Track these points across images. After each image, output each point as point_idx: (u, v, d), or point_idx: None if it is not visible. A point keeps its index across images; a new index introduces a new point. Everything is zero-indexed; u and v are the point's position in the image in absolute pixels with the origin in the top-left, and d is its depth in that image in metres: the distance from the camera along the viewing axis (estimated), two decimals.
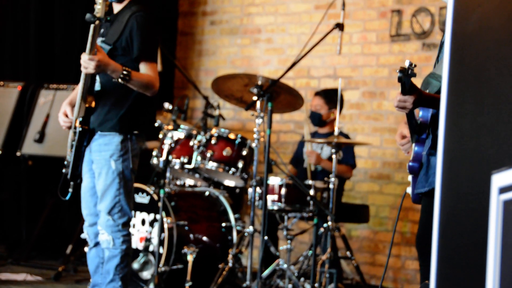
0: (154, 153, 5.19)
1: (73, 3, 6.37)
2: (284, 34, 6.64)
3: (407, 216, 5.88)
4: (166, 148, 4.84)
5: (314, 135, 5.62)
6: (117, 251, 3.77)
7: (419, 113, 2.89)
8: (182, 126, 5.20)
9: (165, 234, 4.91)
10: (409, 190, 2.96)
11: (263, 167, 4.68)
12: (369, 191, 6.10)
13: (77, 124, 3.68)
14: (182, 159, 5.07)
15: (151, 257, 4.88)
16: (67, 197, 3.77)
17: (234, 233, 5.21)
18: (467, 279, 1.72)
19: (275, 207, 4.90)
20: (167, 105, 5.27)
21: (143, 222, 5.10)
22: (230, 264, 4.88)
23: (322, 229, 4.85)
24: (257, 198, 4.82)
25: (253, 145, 4.79)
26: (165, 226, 4.91)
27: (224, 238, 5.22)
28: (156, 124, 5.15)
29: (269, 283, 4.94)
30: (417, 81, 2.72)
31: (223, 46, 6.99)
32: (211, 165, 5.01)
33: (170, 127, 5.13)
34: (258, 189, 4.81)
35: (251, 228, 4.71)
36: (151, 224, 5.01)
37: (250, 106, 4.85)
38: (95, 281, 3.88)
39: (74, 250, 5.54)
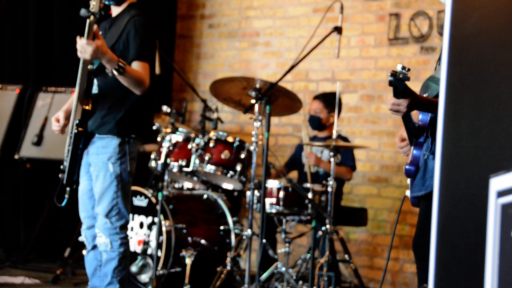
0: (152, 156, 5.19)
1: (72, 6, 6.37)
2: (282, 38, 6.65)
3: (406, 219, 5.88)
4: (164, 151, 4.84)
5: (314, 139, 5.63)
6: (115, 253, 3.77)
7: (419, 116, 2.89)
8: (180, 129, 5.20)
9: (163, 237, 4.90)
10: (408, 193, 2.96)
11: (261, 170, 4.68)
12: (367, 194, 6.10)
13: (73, 126, 3.68)
14: (180, 162, 5.07)
15: (149, 260, 4.88)
16: (63, 204, 3.77)
17: (232, 236, 5.21)
18: (465, 283, 1.72)
19: (274, 210, 4.90)
20: (165, 108, 5.27)
21: (141, 225, 5.09)
22: (228, 267, 4.88)
23: (320, 232, 4.85)
24: (255, 201, 4.82)
25: (251, 148, 4.79)
26: (163, 229, 4.91)
27: (222, 241, 5.21)
28: (154, 127, 5.15)
29: (267, 286, 4.94)
30: (417, 85, 2.72)
31: (221, 49, 6.99)
32: (209, 168, 5.01)
33: (168, 130, 5.14)
34: (256, 192, 4.81)
35: (249, 231, 4.71)
36: (149, 227, 5.01)
37: (248, 109, 4.85)
38: (93, 284, 3.87)
39: (72, 253, 5.53)
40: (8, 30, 6.45)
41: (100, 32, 3.86)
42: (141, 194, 5.09)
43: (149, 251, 4.94)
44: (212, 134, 5.09)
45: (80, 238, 4.01)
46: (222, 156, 5.02)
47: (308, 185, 4.92)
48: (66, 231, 6.06)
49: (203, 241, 5.14)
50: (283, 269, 4.80)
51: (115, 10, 3.89)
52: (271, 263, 4.96)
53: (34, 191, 6.12)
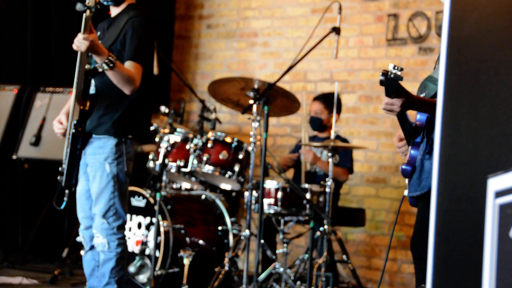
0: (151, 156, 5.19)
1: (69, 6, 6.36)
2: (280, 38, 6.65)
3: (403, 220, 5.88)
4: (162, 151, 4.84)
5: (314, 139, 5.62)
6: (112, 254, 3.77)
7: (417, 116, 2.89)
8: (178, 129, 5.20)
9: (162, 238, 4.90)
10: (406, 193, 2.96)
11: (259, 171, 4.68)
12: (365, 195, 6.10)
13: (71, 127, 3.68)
14: (178, 162, 5.07)
15: (147, 261, 4.88)
16: (62, 207, 3.77)
17: (231, 237, 5.21)
18: (464, 283, 1.72)
19: (272, 211, 4.90)
20: (163, 109, 5.27)
21: (139, 225, 5.09)
22: (226, 268, 4.88)
23: (318, 233, 4.85)
24: (253, 201, 4.82)
25: (250, 148, 4.79)
26: (162, 229, 4.91)
27: (220, 242, 5.21)
28: (153, 128, 5.15)
29: (266, 287, 4.94)
30: (415, 85, 2.72)
31: (220, 50, 6.99)
32: (208, 168, 5.01)
33: (167, 130, 5.13)
34: (254, 193, 4.81)
35: (247, 232, 4.71)
36: (147, 227, 5.00)
37: (247, 109, 4.85)
38: (91, 284, 3.87)
39: (70, 253, 5.53)
40: (6, 30, 6.44)
41: (99, 32, 3.87)
42: (139, 194, 5.09)
43: (147, 252, 4.94)
44: (210, 135, 5.09)
45: (78, 239, 4.00)
46: (220, 157, 5.02)
47: (306, 185, 4.92)
48: (64, 231, 6.05)
49: (201, 242, 5.14)
50: (281, 269, 4.80)
51: (114, 11, 3.89)
52: (269, 263, 4.96)
53: (32, 192, 6.12)
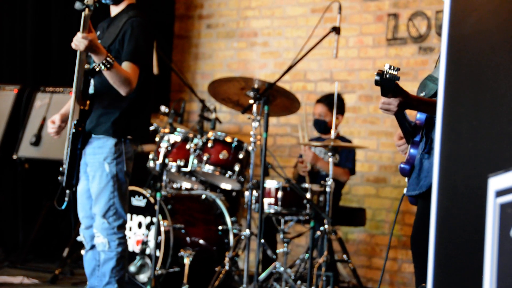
0: (151, 156, 5.19)
1: (69, 6, 6.37)
2: (280, 38, 6.65)
3: (403, 219, 5.88)
4: (162, 151, 4.84)
5: (318, 140, 5.59)
6: (113, 253, 3.77)
7: (417, 115, 2.89)
8: (178, 129, 5.20)
9: (162, 237, 4.90)
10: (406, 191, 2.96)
11: (259, 170, 4.68)
12: (365, 194, 6.10)
13: (72, 127, 3.68)
14: (178, 162, 5.07)
15: (148, 260, 4.88)
16: (63, 207, 3.77)
17: (231, 236, 5.21)
18: (464, 282, 1.72)
19: (272, 210, 4.90)
20: (163, 108, 5.28)
21: (139, 225, 5.09)
22: (226, 267, 4.88)
23: (318, 232, 4.85)
24: (253, 201, 4.82)
25: (250, 148, 4.79)
26: (162, 229, 4.91)
27: (220, 241, 5.22)
28: (153, 127, 5.15)
29: (266, 286, 4.94)
30: (415, 85, 2.72)
31: (220, 50, 6.99)
32: (208, 168, 5.01)
33: (167, 130, 5.14)
34: (254, 192, 4.81)
35: (247, 231, 4.71)
36: (148, 227, 5.01)
37: (247, 109, 4.85)
38: (91, 284, 3.87)
39: (71, 253, 5.53)
40: (6, 30, 6.44)
41: (98, 32, 3.87)
42: (139, 194, 5.09)
43: (147, 251, 4.94)
44: (211, 134, 5.09)
45: (79, 238, 4.01)
46: (221, 156, 5.03)
47: (306, 185, 4.92)
48: (65, 231, 6.05)
49: (201, 241, 5.15)
50: (282, 269, 4.80)
51: (114, 10, 3.89)
52: (269, 263, 4.96)
53: (33, 191, 6.12)
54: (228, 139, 5.08)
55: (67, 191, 3.75)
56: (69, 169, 3.71)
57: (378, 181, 6.05)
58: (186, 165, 5.08)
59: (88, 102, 3.73)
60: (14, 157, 5.74)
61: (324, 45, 5.75)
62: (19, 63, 6.44)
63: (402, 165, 2.90)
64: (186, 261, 4.75)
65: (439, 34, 5.79)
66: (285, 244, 4.89)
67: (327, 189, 4.84)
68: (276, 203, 4.90)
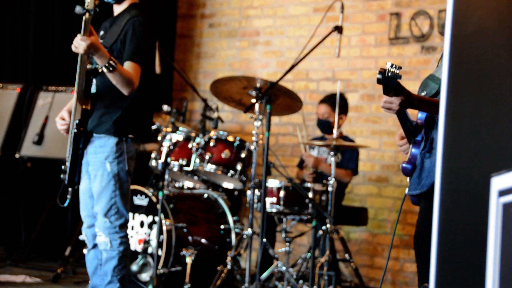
0: (153, 155, 5.20)
1: (72, 5, 6.36)
2: (282, 37, 6.65)
3: (406, 219, 5.88)
4: (164, 150, 4.84)
5: (321, 139, 5.58)
6: (115, 252, 3.77)
7: (418, 114, 2.89)
8: (180, 128, 5.21)
9: (164, 236, 4.91)
10: (407, 191, 2.96)
11: (261, 170, 4.68)
12: (367, 193, 6.10)
13: (73, 126, 3.69)
14: (180, 161, 5.08)
15: (150, 259, 4.88)
16: (66, 204, 3.78)
17: (233, 235, 5.21)
18: (467, 282, 1.72)
19: (274, 210, 4.90)
20: (165, 108, 5.28)
21: (141, 224, 5.10)
22: (228, 266, 4.88)
23: (320, 232, 4.85)
24: (255, 200, 4.82)
25: (252, 147, 4.79)
26: (164, 228, 4.91)
27: (222, 240, 5.22)
28: (155, 126, 5.16)
29: (268, 285, 4.94)
30: (417, 84, 2.72)
31: (222, 49, 6.99)
32: (210, 167, 5.01)
33: (169, 129, 5.14)
34: (256, 192, 4.81)
35: (249, 231, 4.71)
36: (150, 226, 5.01)
37: (249, 108, 4.85)
38: (93, 283, 3.88)
39: (73, 251, 5.54)
40: (8, 30, 6.45)
41: (101, 32, 3.88)
42: (141, 193, 5.09)
43: (149, 250, 4.95)
44: (213, 134, 5.09)
45: (81, 237, 4.01)
46: (223, 156, 5.03)
47: (308, 184, 4.92)
48: (67, 230, 6.06)
49: (203, 240, 5.15)
50: (284, 268, 4.80)
51: (117, 9, 3.89)
52: (271, 262, 4.96)
53: (35, 190, 6.13)
54: (230, 138, 5.08)
55: (69, 189, 3.76)
56: (71, 167, 3.71)
57: (380, 180, 6.05)
58: (188, 164, 5.08)
59: (90, 101, 3.74)
60: (17, 156, 5.74)
61: (326, 44, 5.75)
62: (21, 62, 6.45)
63: (404, 165, 2.90)
64: (188, 260, 4.75)
65: (441, 33, 5.78)
66: (287, 243, 4.89)
67: (329, 189, 4.84)
68: (278, 202, 4.90)
